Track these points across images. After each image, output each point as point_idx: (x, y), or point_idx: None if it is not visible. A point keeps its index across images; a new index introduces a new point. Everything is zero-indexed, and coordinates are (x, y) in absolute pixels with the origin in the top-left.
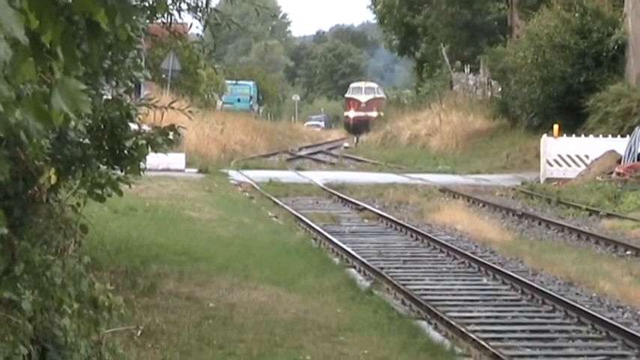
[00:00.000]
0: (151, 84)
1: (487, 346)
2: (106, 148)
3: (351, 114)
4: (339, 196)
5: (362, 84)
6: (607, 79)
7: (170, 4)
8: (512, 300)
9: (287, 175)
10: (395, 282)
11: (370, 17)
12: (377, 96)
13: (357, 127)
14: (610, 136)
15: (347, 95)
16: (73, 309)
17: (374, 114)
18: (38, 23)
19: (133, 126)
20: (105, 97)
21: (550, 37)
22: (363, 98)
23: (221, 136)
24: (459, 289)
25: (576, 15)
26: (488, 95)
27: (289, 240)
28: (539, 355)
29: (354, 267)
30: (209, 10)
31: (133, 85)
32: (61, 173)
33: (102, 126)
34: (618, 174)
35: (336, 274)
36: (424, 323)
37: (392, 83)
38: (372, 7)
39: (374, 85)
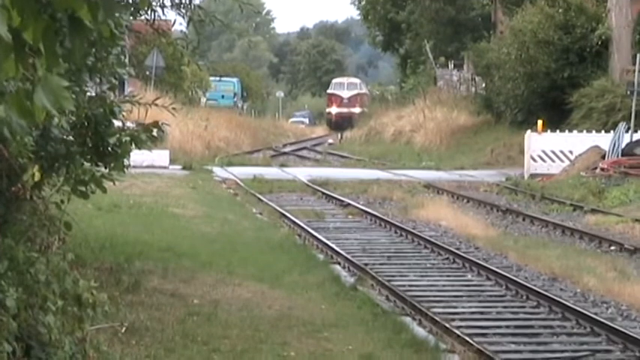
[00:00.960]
0: (134, 81)
1: (471, 341)
2: (90, 145)
3: (334, 110)
4: (323, 193)
5: (344, 79)
6: (591, 75)
7: (153, 1)
8: (496, 295)
9: (271, 172)
10: (379, 278)
11: (354, 13)
12: (360, 91)
13: (340, 124)
14: (594, 131)
15: (329, 91)
16: (57, 306)
17: (357, 110)
18: (20, 20)
19: (117, 123)
20: (88, 94)
21: (534, 32)
22: (346, 94)
23: (205, 132)
24: (444, 285)
25: (560, 11)
26: (473, 91)
27: (273, 236)
28: (523, 350)
29: (339, 263)
30: (192, 6)
31: (117, 82)
32: (44, 170)
33: (85, 123)
34: (602, 169)
35: (320, 271)
36: (408, 319)
37: (376, 79)
38: (356, 3)
39: (357, 80)
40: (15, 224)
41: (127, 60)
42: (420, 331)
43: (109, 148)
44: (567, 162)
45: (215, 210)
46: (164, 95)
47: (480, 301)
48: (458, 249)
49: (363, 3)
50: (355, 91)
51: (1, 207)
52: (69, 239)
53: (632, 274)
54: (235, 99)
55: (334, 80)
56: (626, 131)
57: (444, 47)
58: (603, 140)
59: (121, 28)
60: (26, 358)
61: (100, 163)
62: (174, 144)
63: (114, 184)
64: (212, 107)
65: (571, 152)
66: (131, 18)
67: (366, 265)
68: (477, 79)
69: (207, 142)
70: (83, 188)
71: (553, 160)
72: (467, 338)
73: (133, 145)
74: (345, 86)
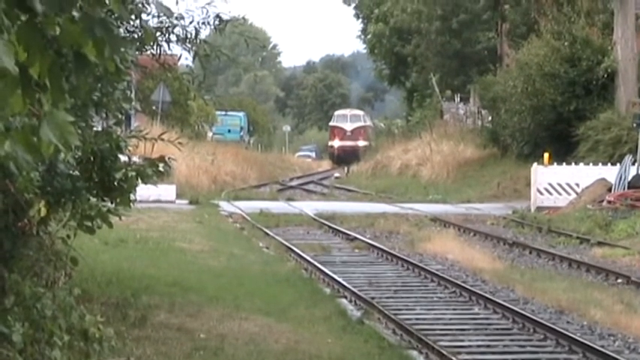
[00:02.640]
0: (141, 115)
1: None
2: (96, 179)
3: (336, 143)
4: (329, 226)
5: (347, 111)
6: (597, 108)
7: (159, 36)
8: (503, 329)
9: (278, 206)
10: (386, 312)
11: (360, 47)
12: (364, 124)
13: (343, 158)
14: (600, 164)
15: (331, 123)
16: (63, 341)
17: (361, 143)
18: (26, 55)
19: (123, 158)
20: (95, 129)
21: (540, 65)
22: (349, 127)
23: (212, 167)
24: (450, 319)
25: (566, 44)
26: (479, 124)
27: (280, 270)
28: None
29: (345, 297)
30: (198, 41)
31: (123, 117)
32: (51, 205)
33: (92, 158)
34: (609, 202)
35: (327, 304)
36: (415, 353)
37: (382, 113)
38: (362, 37)
39: (360, 112)
40: (21, 259)
41: (133, 95)
42: None
43: (115, 183)
44: (574, 195)
45: (221, 244)
46: (170, 130)
47: (486, 335)
48: (464, 282)
49: (369, 37)
50: (359, 124)
51: (7, 242)
52: (75, 274)
53: (639, 307)
54: (242, 133)
55: (336, 112)
56: (633, 164)
57: (450, 80)
58: (610, 173)
59: (127, 63)
60: None
61: (106, 198)
62: (180, 178)
63: (120, 219)
64: (218, 141)
65: (577, 185)
66: (137, 53)
67: (372, 298)
68: (483, 112)
69: (214, 177)
70: (89, 223)
71: (560, 193)
72: None
73: (139, 180)
74: (348, 118)
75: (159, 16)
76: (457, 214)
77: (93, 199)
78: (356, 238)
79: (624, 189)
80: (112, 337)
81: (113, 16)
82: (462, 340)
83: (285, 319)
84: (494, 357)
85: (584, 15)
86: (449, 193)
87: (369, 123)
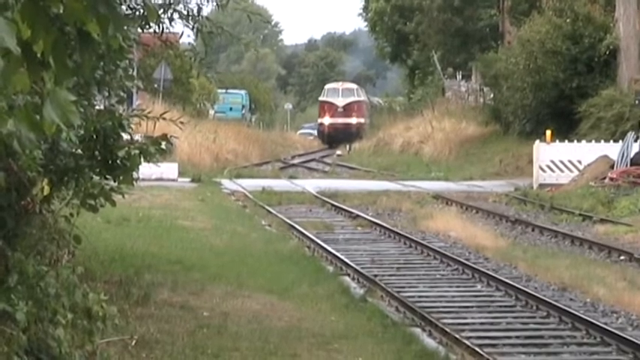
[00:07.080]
0: (143, 93)
1: (482, 352)
2: (99, 158)
3: (327, 121)
4: (332, 204)
5: (339, 85)
6: (599, 85)
7: (161, 13)
8: (506, 306)
9: (280, 184)
10: (389, 289)
11: (362, 25)
12: (357, 99)
13: (334, 137)
14: (603, 141)
15: (321, 98)
16: (67, 319)
17: (354, 120)
18: (30, 33)
19: (126, 136)
20: (97, 107)
21: (542, 42)
22: (340, 102)
23: (214, 145)
24: (453, 296)
25: (568, 20)
26: (481, 102)
27: (283, 248)
28: None
29: (348, 275)
30: (201, 18)
31: (125, 95)
32: (53, 184)
33: (94, 136)
34: (611, 179)
35: (329, 282)
36: (418, 330)
37: (384, 90)
38: (364, 14)
39: (353, 86)
40: (24, 238)
41: (135, 73)
42: (430, 342)
43: (118, 162)
44: (576, 172)
45: (224, 222)
46: (172, 108)
47: (489, 312)
48: (467, 260)
49: (371, 14)
50: (352, 98)
51: (10, 221)
52: (78, 252)
53: None
54: (243, 111)
55: (327, 86)
56: (635, 140)
57: (451, 58)
58: (612, 150)
59: (129, 41)
60: None
61: (109, 177)
62: (182, 157)
63: (123, 197)
64: (220, 120)
65: (580, 162)
66: (139, 30)
67: (375, 276)
68: (485, 89)
69: (216, 155)
70: (92, 202)
71: (562, 170)
72: (477, 349)
73: (142, 158)
74: (339, 93)
75: None
76: (459, 191)
77: (96, 178)
78: (358, 216)
79: (627, 166)
80: (116, 315)
81: None
82: (465, 318)
83: (288, 297)
84: (497, 334)
85: None
86: (451, 171)
87: (363, 98)
